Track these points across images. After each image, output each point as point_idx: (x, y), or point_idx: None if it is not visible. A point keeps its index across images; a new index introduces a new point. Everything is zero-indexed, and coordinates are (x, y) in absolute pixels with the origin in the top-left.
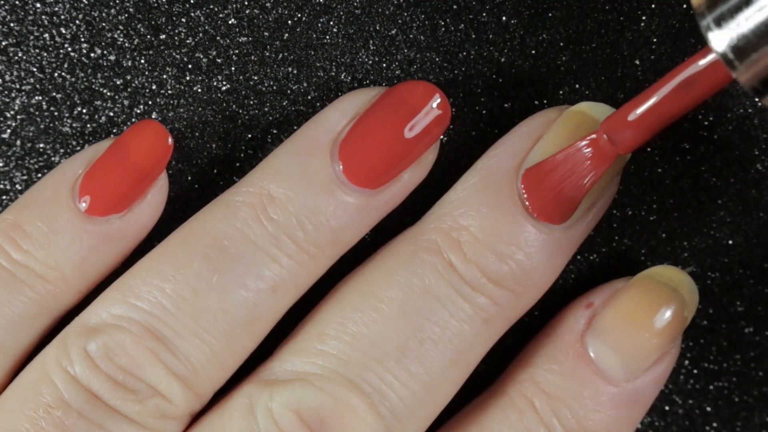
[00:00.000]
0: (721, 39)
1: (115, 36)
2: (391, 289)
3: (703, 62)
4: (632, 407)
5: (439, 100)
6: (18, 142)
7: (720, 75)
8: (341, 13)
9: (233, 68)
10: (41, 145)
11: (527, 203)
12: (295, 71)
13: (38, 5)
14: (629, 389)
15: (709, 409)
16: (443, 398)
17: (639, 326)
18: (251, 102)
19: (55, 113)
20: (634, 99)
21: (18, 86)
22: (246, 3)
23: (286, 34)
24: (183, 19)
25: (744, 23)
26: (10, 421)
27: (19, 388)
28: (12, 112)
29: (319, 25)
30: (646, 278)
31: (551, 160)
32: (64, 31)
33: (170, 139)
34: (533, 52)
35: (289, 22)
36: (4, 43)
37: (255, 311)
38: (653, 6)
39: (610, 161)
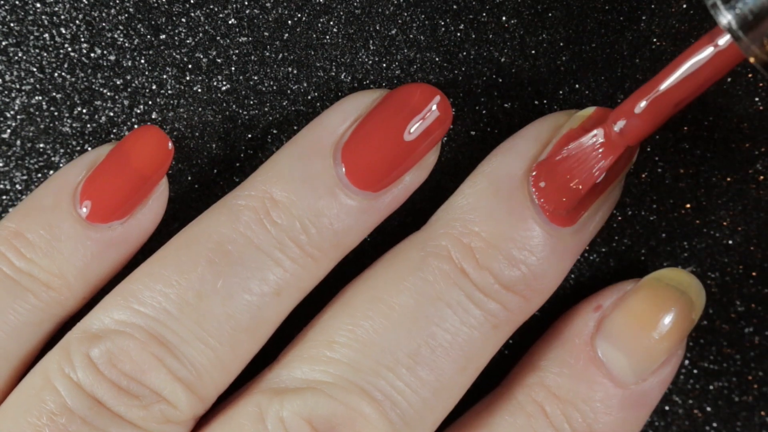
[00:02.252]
0: (727, 13)
1: (115, 36)
2: (401, 295)
3: (708, 45)
4: (639, 409)
5: (440, 102)
6: (18, 142)
7: (727, 55)
8: (341, 13)
9: (233, 68)
10: (41, 145)
11: (540, 207)
12: (295, 71)
13: (38, 5)
14: (637, 391)
15: (709, 409)
16: (451, 403)
17: (648, 329)
18: (251, 102)
19: (55, 113)
20: (640, 88)
21: (18, 86)
22: (246, 3)
23: (286, 34)
24: (183, 19)
25: None
26: (13, 428)
27: (22, 394)
28: (12, 112)
29: (319, 25)
30: (654, 281)
31: (561, 152)
32: (64, 31)
33: (170, 145)
34: (533, 52)
35: (289, 22)
36: (4, 43)
37: (259, 315)
38: (653, 6)
39: (619, 152)
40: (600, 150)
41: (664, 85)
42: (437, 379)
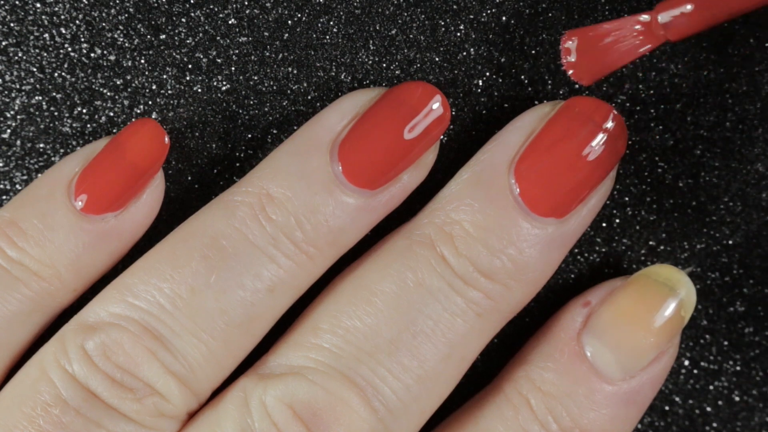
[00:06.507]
0: None
1: (115, 36)
2: (384, 282)
3: None
4: (629, 406)
5: (439, 101)
6: (18, 142)
7: None
8: (341, 13)
9: (233, 68)
10: (41, 145)
11: (519, 196)
12: (295, 71)
13: (38, 5)
14: (625, 388)
15: (709, 409)
16: (438, 393)
17: (635, 325)
18: (251, 102)
19: (55, 113)
20: None
21: (18, 86)
22: (246, 3)
23: (286, 34)
24: (183, 19)
25: None
26: (8, 419)
27: (17, 385)
28: (12, 112)
29: (319, 25)
30: (643, 277)
31: (601, 25)
32: (64, 31)
33: (166, 138)
34: (533, 52)
35: (289, 22)
36: (4, 43)
37: (252, 311)
38: (653, 6)
39: (657, 43)
40: (638, 38)
41: None
42: (420, 365)
